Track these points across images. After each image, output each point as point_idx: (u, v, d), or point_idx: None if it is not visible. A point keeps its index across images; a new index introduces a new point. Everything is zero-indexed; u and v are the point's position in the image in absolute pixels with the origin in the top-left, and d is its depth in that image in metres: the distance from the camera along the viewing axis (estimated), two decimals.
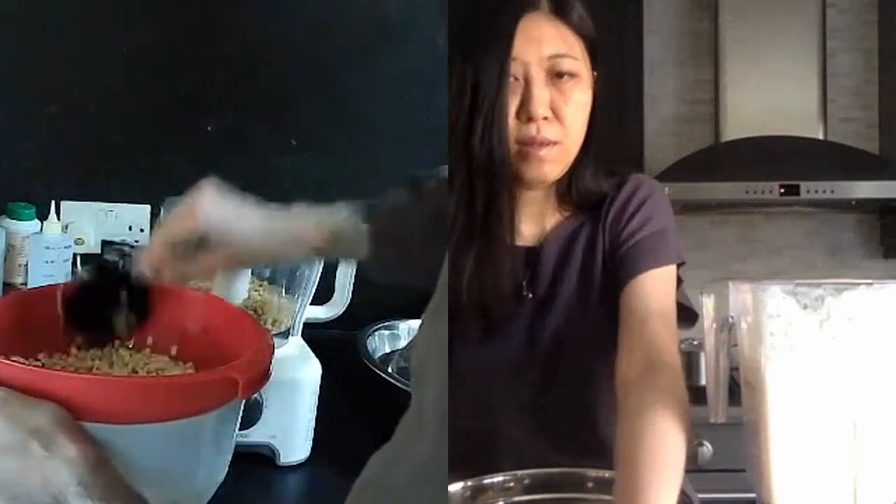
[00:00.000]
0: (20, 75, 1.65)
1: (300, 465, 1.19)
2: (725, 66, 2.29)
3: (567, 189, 0.99)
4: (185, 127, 1.71)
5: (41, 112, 1.66)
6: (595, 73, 0.97)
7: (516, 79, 0.91)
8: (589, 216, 1.00)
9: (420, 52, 1.74)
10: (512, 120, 0.91)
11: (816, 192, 2.13)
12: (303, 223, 1.01)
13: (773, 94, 2.27)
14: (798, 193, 2.13)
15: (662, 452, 0.80)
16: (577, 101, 0.92)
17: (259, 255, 1.03)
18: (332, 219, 1.00)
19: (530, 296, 0.99)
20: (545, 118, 0.91)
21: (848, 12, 2.46)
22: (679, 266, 0.98)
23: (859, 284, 0.75)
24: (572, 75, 0.92)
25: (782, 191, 2.13)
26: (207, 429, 0.86)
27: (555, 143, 0.92)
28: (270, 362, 0.90)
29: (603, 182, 1.00)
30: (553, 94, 0.91)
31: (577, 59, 0.92)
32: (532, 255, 1.00)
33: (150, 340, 1.01)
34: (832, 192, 2.14)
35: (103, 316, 0.97)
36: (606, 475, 0.87)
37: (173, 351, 1.00)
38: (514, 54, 0.90)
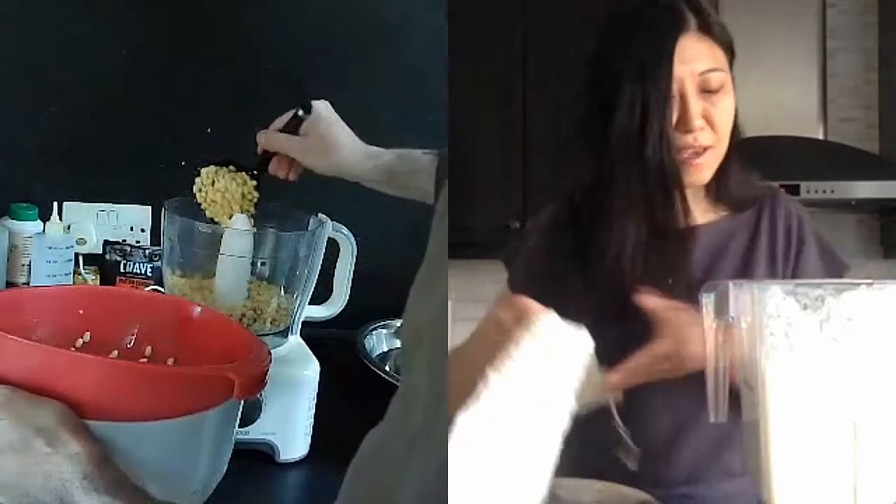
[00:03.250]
0: (20, 75, 1.65)
1: (299, 462, 1.19)
2: None
3: (716, 185, 1.06)
4: (184, 127, 1.71)
5: (41, 112, 1.66)
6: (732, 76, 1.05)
7: (673, 95, 1.00)
8: (743, 222, 1.08)
9: (420, 52, 1.74)
10: (671, 131, 1.00)
11: (816, 192, 2.13)
12: (385, 152, 1.27)
13: (773, 94, 2.26)
14: (798, 193, 2.13)
15: None
16: (726, 109, 1.02)
17: (344, 154, 1.25)
18: (411, 154, 1.27)
19: (670, 281, 1.03)
20: (701, 128, 1.00)
21: (848, 12, 2.46)
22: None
23: (859, 284, 0.75)
24: (721, 87, 1.01)
25: (782, 191, 2.13)
26: (207, 428, 0.86)
27: (709, 147, 1.01)
28: (268, 369, 0.91)
29: (753, 186, 1.09)
30: (705, 105, 1.00)
31: (724, 72, 1.02)
32: (679, 238, 1.05)
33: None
34: (832, 192, 2.14)
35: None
36: None
37: (147, 351, 1.03)
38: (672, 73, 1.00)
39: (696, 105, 0.99)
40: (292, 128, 1.27)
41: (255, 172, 1.28)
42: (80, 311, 1.02)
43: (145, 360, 1.03)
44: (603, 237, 1.02)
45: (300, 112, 1.26)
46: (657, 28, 0.99)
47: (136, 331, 1.04)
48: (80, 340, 1.02)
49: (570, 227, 1.07)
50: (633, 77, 0.98)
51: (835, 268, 1.07)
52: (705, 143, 1.01)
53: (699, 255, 1.05)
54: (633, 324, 0.99)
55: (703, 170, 1.02)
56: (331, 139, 1.26)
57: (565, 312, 1.02)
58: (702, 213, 1.07)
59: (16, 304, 1.00)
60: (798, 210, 1.10)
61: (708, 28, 1.01)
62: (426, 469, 0.63)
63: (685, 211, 1.02)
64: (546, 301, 1.05)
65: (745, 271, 1.04)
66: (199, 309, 1.07)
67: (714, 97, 1.01)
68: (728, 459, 1.01)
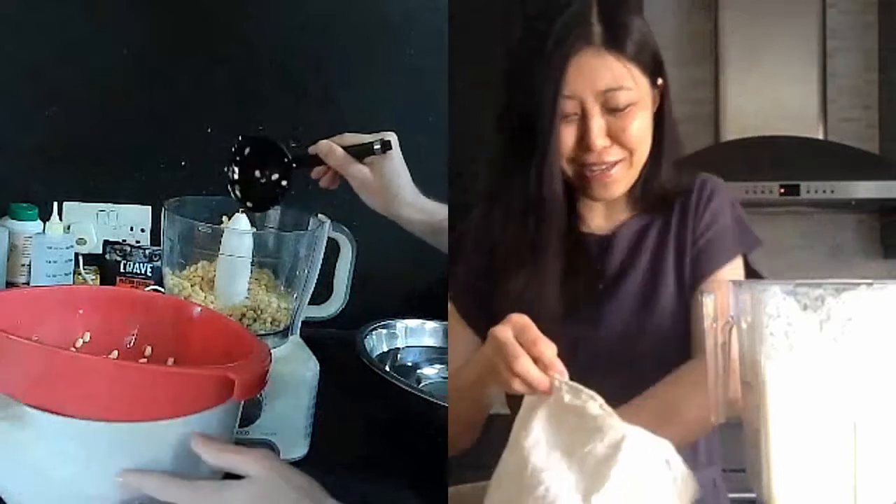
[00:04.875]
0: (20, 75, 1.65)
1: (299, 462, 1.19)
2: (725, 66, 2.29)
3: (641, 191, 1.04)
4: (184, 127, 1.71)
5: (41, 112, 1.66)
6: (662, 82, 1.00)
7: (575, 114, 0.95)
8: (658, 214, 1.05)
9: (420, 52, 1.74)
10: (573, 150, 0.96)
11: (816, 192, 2.13)
12: (437, 210, 1.24)
13: (773, 94, 2.26)
14: (798, 193, 2.13)
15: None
16: (637, 126, 0.96)
17: (397, 203, 1.22)
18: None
19: (602, 287, 1.03)
20: (604, 147, 0.96)
21: (848, 12, 2.46)
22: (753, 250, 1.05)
23: (859, 284, 0.75)
24: (629, 105, 0.95)
25: (782, 191, 2.13)
26: (207, 428, 0.86)
27: (619, 161, 0.97)
28: (268, 369, 0.91)
29: (676, 182, 1.05)
30: (611, 122, 0.95)
31: (632, 89, 0.95)
32: (604, 244, 1.05)
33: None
34: (832, 192, 2.14)
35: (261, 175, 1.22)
36: None
37: (147, 351, 1.04)
38: (568, 92, 0.94)
39: (597, 123, 0.94)
40: (359, 153, 1.22)
41: (294, 164, 1.23)
42: (80, 312, 1.03)
43: (145, 360, 1.03)
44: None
45: (377, 146, 1.21)
46: (558, 40, 0.93)
47: (136, 331, 1.04)
48: (80, 340, 1.02)
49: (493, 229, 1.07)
50: (524, 93, 0.94)
51: (747, 238, 1.05)
52: (612, 160, 0.97)
53: (617, 254, 1.04)
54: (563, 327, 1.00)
55: (611, 186, 0.99)
56: (393, 184, 1.22)
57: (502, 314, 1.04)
58: (620, 209, 1.06)
59: (16, 304, 1.00)
60: (711, 190, 1.05)
61: (617, 42, 0.94)
62: None
63: (577, 234, 1.02)
64: (483, 302, 1.06)
65: (656, 269, 1.03)
66: (199, 309, 1.07)
67: (623, 115, 0.95)
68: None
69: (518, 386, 0.82)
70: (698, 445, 1.04)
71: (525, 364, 0.81)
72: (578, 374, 0.97)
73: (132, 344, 1.04)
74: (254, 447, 0.86)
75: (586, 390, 0.81)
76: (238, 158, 1.23)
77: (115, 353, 1.03)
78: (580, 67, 0.93)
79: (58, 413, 0.80)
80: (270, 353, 0.95)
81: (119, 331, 1.04)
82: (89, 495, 0.83)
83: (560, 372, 0.81)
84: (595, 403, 0.80)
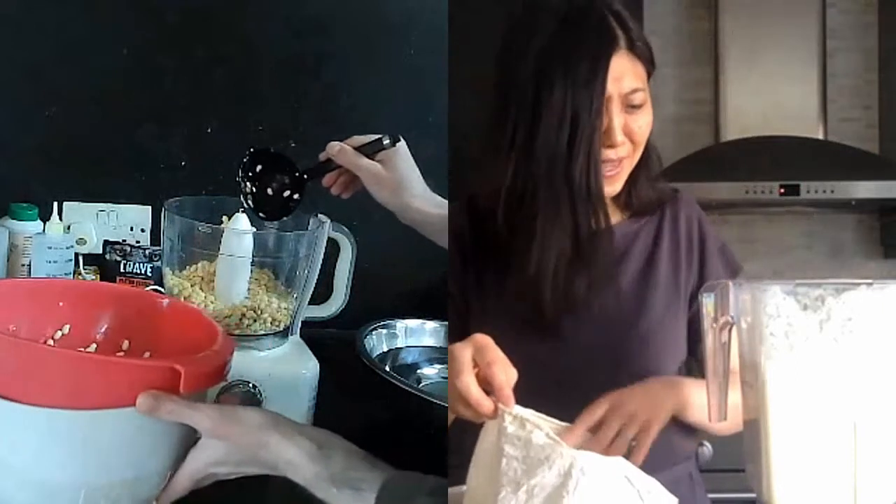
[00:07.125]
0: (20, 75, 1.65)
1: None
2: (725, 66, 2.29)
3: (626, 193, 1.08)
4: (184, 127, 1.71)
5: (41, 112, 1.66)
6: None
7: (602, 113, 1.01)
8: (645, 224, 1.11)
9: (420, 52, 1.74)
10: (599, 150, 1.01)
11: (816, 192, 2.13)
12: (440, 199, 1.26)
13: (773, 94, 2.26)
14: (798, 193, 2.13)
15: None
16: (645, 124, 1.03)
17: (408, 195, 1.23)
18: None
19: (595, 280, 1.05)
20: (621, 143, 1.02)
21: (848, 12, 2.46)
22: None
23: (859, 284, 0.75)
24: (642, 103, 1.02)
25: (782, 191, 2.13)
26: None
27: (624, 158, 1.03)
28: (227, 363, 0.91)
29: (658, 189, 1.11)
30: (627, 120, 1.02)
31: (645, 91, 1.02)
32: (596, 241, 1.07)
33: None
34: (832, 192, 2.14)
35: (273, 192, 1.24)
36: None
37: (125, 345, 1.05)
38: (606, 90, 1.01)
39: (619, 121, 1.01)
40: (369, 151, 1.23)
41: (305, 176, 1.25)
42: (61, 304, 1.04)
43: (122, 353, 1.04)
44: (521, 250, 1.02)
45: (386, 140, 1.23)
46: (592, 44, 1.00)
47: (113, 324, 1.06)
48: (60, 333, 1.03)
49: (476, 234, 1.08)
50: (563, 91, 0.98)
51: (731, 266, 1.13)
52: (622, 156, 1.02)
53: (609, 252, 1.06)
54: (550, 335, 1.03)
55: (615, 181, 1.04)
56: (405, 177, 1.24)
57: (478, 321, 1.05)
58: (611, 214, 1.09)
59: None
60: (698, 211, 1.13)
61: (634, 46, 1.01)
62: None
63: (608, 226, 1.03)
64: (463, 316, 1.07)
65: (648, 272, 1.08)
66: (166, 301, 1.08)
67: (636, 113, 1.02)
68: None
69: (459, 403, 0.81)
70: (672, 441, 1.05)
71: (466, 382, 0.80)
72: (567, 370, 1.02)
73: (109, 337, 1.05)
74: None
75: (533, 419, 0.80)
76: (250, 174, 1.23)
77: (94, 346, 1.04)
78: (613, 69, 0.99)
79: (16, 401, 0.81)
80: (233, 347, 0.94)
81: (98, 324, 1.05)
82: (48, 482, 0.84)
83: (506, 399, 0.80)
84: (541, 433, 0.78)
